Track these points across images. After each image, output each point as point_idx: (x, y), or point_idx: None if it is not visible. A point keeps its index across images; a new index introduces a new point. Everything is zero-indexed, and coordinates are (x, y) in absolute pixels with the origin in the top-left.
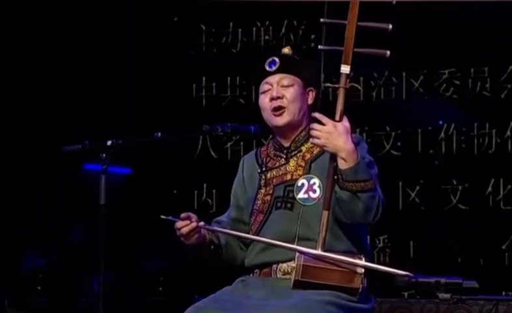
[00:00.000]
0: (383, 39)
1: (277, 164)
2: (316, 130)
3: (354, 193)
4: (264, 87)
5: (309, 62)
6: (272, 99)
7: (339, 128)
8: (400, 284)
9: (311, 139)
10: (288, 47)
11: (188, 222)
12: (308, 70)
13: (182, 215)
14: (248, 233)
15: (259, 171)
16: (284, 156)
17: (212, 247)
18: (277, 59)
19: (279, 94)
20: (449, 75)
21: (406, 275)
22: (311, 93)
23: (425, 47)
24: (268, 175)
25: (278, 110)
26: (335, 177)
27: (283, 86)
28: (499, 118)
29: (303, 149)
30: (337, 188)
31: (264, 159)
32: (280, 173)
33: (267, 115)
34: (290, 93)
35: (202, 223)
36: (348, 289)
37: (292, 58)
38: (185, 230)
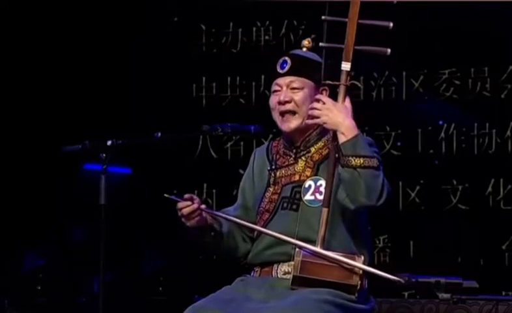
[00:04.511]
0: (383, 39)
1: (286, 163)
2: (316, 108)
3: (355, 170)
4: (274, 87)
5: (324, 61)
6: (280, 103)
7: (339, 105)
8: (400, 284)
9: (310, 120)
10: (309, 39)
11: (190, 203)
12: (321, 70)
13: (186, 196)
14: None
15: (269, 168)
16: (293, 156)
17: (213, 233)
18: (288, 60)
19: (287, 97)
20: (449, 75)
21: (398, 281)
22: (324, 92)
23: (425, 47)
24: (277, 174)
25: (286, 114)
26: (336, 155)
27: (292, 88)
28: (499, 118)
29: (313, 149)
30: (340, 169)
31: (274, 156)
32: (288, 173)
33: (276, 116)
34: (299, 97)
35: (204, 206)
36: (346, 286)
37: (304, 59)
38: (186, 211)
